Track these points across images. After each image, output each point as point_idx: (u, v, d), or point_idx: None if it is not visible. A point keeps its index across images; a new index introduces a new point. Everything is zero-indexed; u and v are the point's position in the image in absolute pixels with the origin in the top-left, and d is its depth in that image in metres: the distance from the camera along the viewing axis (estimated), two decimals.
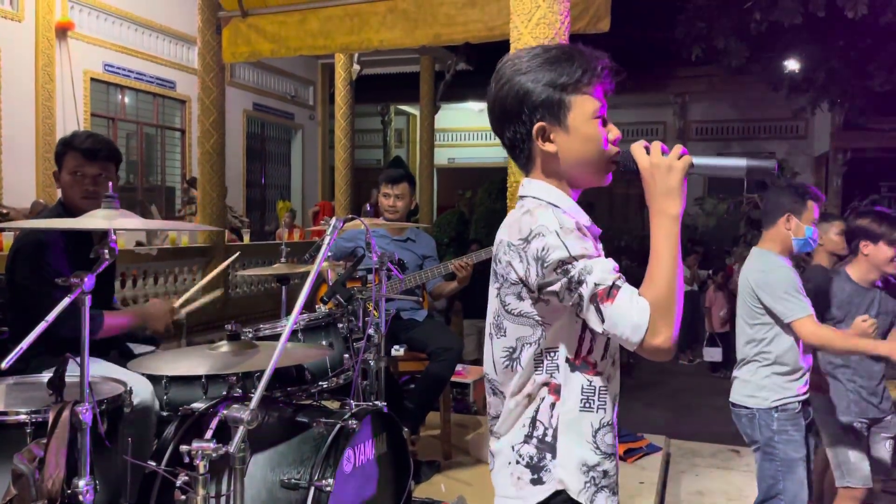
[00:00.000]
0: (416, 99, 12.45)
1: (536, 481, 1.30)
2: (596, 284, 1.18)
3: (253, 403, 1.52)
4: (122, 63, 9.80)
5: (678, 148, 1.26)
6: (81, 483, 1.71)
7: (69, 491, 1.71)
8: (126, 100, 10.17)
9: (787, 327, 2.61)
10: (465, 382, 5.17)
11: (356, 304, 2.76)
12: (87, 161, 2.62)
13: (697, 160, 1.25)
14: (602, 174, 1.34)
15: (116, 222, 1.83)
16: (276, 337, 2.52)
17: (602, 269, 1.19)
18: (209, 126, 6.72)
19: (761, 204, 3.20)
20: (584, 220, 1.32)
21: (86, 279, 1.67)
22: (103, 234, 1.79)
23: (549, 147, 1.30)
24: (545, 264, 1.21)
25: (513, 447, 1.32)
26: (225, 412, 1.55)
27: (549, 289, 1.22)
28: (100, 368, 2.38)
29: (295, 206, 13.34)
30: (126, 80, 9.92)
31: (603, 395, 1.31)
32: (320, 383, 2.62)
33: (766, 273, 2.66)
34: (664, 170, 1.24)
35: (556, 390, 1.29)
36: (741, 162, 1.24)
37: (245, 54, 6.32)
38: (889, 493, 3.80)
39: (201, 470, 1.58)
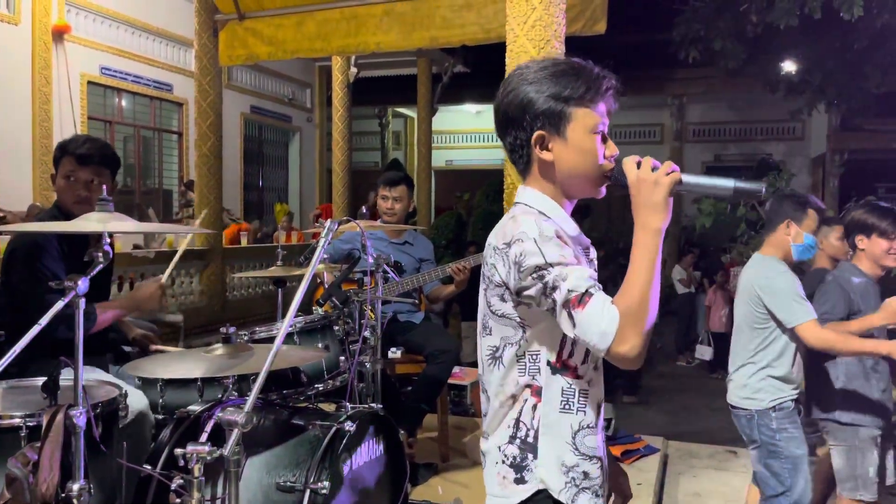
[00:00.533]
0: (413, 101, 12.45)
1: (520, 480, 1.35)
2: (569, 291, 1.21)
3: (248, 406, 1.52)
4: (119, 66, 9.79)
5: (668, 164, 1.29)
6: (76, 487, 1.70)
7: (63, 495, 1.71)
8: (123, 103, 10.16)
9: (791, 332, 2.65)
10: (462, 384, 5.17)
11: (352, 306, 2.76)
12: (80, 166, 2.62)
13: (686, 178, 1.28)
14: (595, 187, 1.38)
15: (110, 225, 1.83)
16: (271, 339, 2.52)
17: (577, 277, 1.22)
18: (206, 129, 6.71)
19: (758, 206, 3.21)
20: (572, 230, 1.37)
21: (80, 282, 1.67)
22: (98, 237, 1.79)
23: (545, 155, 1.35)
24: (521, 269, 1.26)
25: (499, 447, 1.37)
26: (220, 415, 1.55)
27: (526, 293, 1.28)
28: (94, 377, 2.37)
29: (292, 208, 13.31)
30: (123, 82, 9.91)
31: (583, 397, 1.35)
32: (316, 386, 2.62)
33: (770, 279, 2.71)
34: (650, 184, 1.27)
35: (537, 392, 1.34)
36: (729, 183, 1.27)
37: (242, 57, 6.33)
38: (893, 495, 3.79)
39: (196, 473, 1.58)
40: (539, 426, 1.34)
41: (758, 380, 2.70)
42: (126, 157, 10.12)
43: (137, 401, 2.37)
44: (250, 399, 1.54)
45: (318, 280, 3.80)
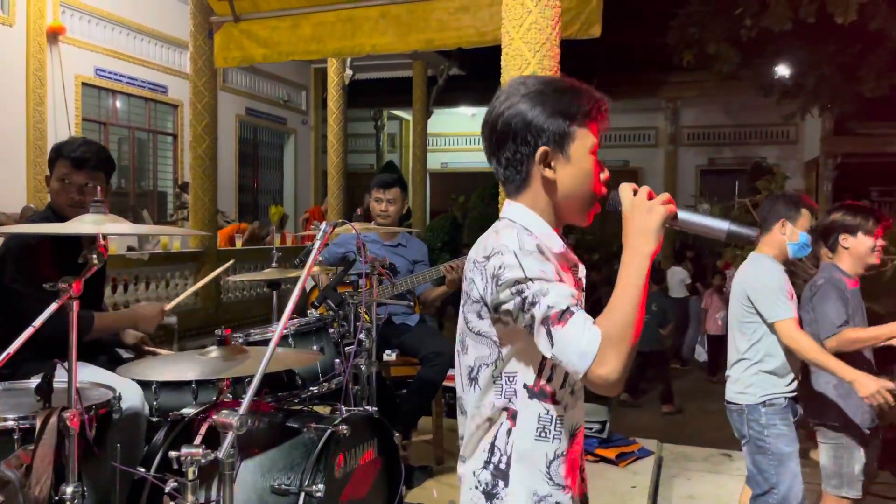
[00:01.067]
0: (408, 104, 12.47)
1: None
2: (549, 307, 1.17)
3: (242, 409, 1.51)
4: (114, 67, 9.77)
5: (665, 195, 1.28)
6: (69, 489, 1.69)
7: (57, 498, 1.70)
8: (118, 104, 10.14)
9: (771, 327, 2.71)
10: None
11: (347, 308, 2.75)
12: (75, 169, 2.60)
13: (682, 214, 1.28)
14: (585, 213, 1.36)
15: (104, 227, 1.82)
16: (266, 342, 2.51)
17: (558, 294, 1.18)
18: (201, 131, 6.71)
19: (752, 209, 3.23)
20: (557, 246, 1.32)
21: (73, 284, 1.66)
22: (92, 239, 1.78)
23: (548, 173, 1.31)
24: (500, 282, 1.22)
25: (473, 472, 1.32)
26: (214, 418, 1.54)
27: (504, 307, 1.23)
28: (89, 373, 2.36)
29: (287, 210, 13.31)
30: (118, 84, 9.90)
31: (559, 425, 1.30)
32: (311, 388, 2.61)
33: (757, 275, 2.78)
34: (645, 210, 1.25)
35: (513, 416, 1.29)
36: (723, 225, 1.27)
37: (237, 59, 6.31)
38: (872, 496, 3.80)
39: (190, 476, 1.57)
40: (512, 452, 1.29)
41: (750, 374, 2.76)
42: (120, 159, 10.10)
43: (132, 395, 2.35)
44: (245, 402, 1.53)
45: (314, 282, 3.80)
